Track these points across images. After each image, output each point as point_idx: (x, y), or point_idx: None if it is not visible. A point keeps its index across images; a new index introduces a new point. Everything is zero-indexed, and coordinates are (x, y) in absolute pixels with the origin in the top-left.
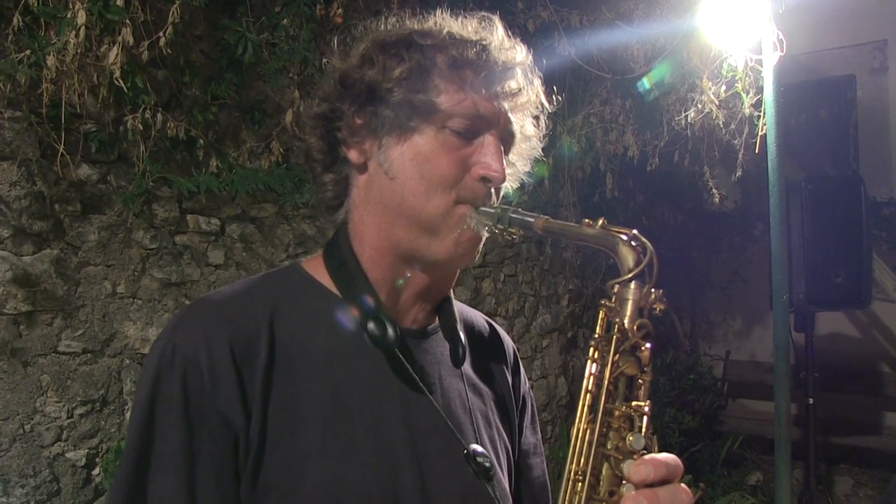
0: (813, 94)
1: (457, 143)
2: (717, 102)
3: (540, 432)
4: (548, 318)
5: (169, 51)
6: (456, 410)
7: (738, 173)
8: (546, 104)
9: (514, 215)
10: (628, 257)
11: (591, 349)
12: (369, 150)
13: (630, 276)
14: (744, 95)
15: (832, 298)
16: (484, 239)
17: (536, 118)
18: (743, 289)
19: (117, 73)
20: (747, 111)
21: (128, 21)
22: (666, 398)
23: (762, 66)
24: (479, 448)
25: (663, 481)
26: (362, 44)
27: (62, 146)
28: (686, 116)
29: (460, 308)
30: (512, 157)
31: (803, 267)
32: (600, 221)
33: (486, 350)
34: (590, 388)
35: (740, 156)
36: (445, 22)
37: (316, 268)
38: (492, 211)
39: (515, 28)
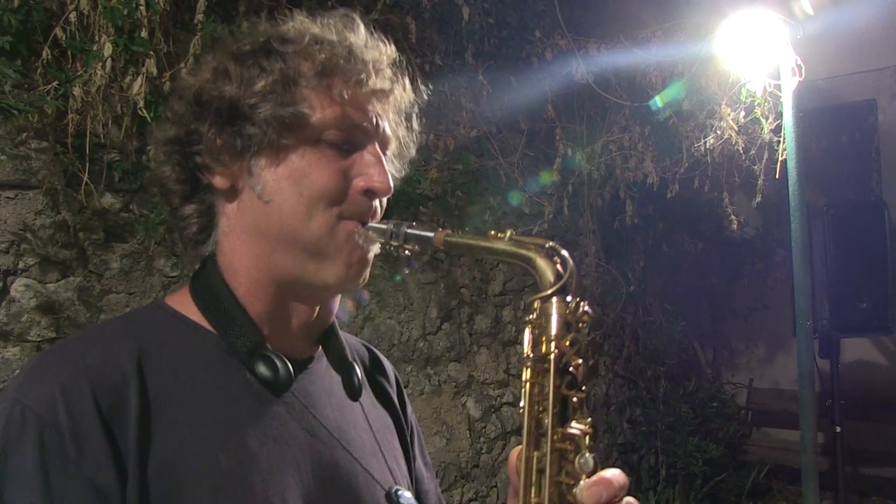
0: (833, 120)
1: (334, 155)
2: (736, 128)
3: (428, 456)
4: None
5: None
6: (362, 444)
7: (758, 198)
8: (415, 99)
9: (409, 230)
10: (547, 272)
11: (526, 370)
12: (237, 173)
13: (551, 291)
14: (763, 121)
15: (857, 324)
16: (372, 257)
17: (409, 118)
18: (765, 316)
19: (141, 104)
20: (767, 136)
21: (152, 52)
22: (689, 426)
23: (781, 92)
24: (406, 494)
25: (614, 497)
26: (212, 55)
27: (86, 175)
28: (705, 142)
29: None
30: (389, 160)
31: (826, 293)
32: (509, 233)
33: (372, 377)
34: (532, 413)
35: (760, 181)
36: (305, 25)
37: (183, 304)
38: (384, 227)
39: (534, 57)
